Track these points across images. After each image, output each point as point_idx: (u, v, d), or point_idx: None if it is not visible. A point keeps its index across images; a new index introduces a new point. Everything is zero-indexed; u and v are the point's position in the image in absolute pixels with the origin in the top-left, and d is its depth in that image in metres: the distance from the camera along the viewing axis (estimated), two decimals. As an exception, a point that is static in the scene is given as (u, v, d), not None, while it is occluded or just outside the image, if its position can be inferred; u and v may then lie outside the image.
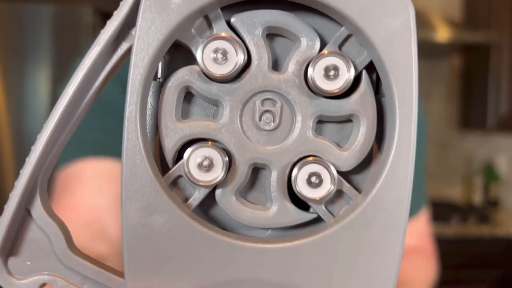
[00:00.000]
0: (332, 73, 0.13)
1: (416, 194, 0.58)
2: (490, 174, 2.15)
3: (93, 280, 0.14)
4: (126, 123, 0.13)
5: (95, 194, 0.47)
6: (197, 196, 0.13)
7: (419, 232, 0.59)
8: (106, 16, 1.60)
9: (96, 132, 0.50)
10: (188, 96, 0.14)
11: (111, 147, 0.48)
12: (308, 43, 0.13)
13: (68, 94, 0.13)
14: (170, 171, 0.13)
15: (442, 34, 1.81)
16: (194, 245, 0.12)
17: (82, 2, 1.57)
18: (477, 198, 2.14)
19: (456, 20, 2.17)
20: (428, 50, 2.07)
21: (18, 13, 1.44)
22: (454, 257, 1.70)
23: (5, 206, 0.13)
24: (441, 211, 1.78)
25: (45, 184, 0.14)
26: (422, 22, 1.88)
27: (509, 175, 2.24)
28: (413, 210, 0.58)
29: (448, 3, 2.20)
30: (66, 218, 0.46)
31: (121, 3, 0.13)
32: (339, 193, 0.14)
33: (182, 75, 0.13)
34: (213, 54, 0.13)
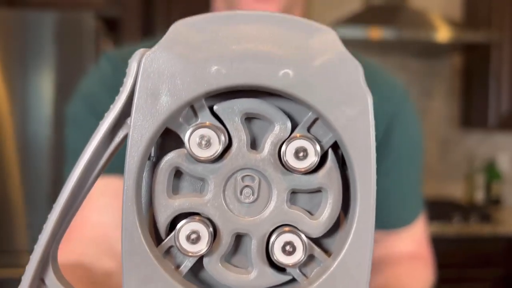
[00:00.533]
0: (301, 154, 0.15)
1: (413, 203, 0.59)
2: (491, 172, 2.16)
3: None
4: (124, 204, 0.15)
5: (101, 211, 0.49)
6: (187, 264, 0.16)
7: (418, 239, 0.61)
8: (107, 21, 1.60)
9: None
10: (178, 173, 0.16)
11: (115, 165, 0.50)
12: (280, 127, 0.16)
13: (73, 179, 0.15)
14: (163, 242, 0.16)
15: (443, 33, 1.82)
16: None
17: (84, 8, 1.58)
18: (479, 196, 2.15)
19: (457, 20, 2.17)
20: (429, 50, 2.08)
21: (21, 19, 1.45)
22: (456, 255, 1.72)
23: (22, 277, 0.15)
24: (443, 210, 1.80)
25: (56, 254, 0.16)
26: (423, 22, 1.89)
27: (511, 173, 2.25)
28: (411, 218, 0.60)
29: (449, 3, 2.21)
30: (75, 235, 0.47)
31: (117, 97, 0.15)
32: (311, 257, 0.16)
33: (172, 158, 0.15)
34: (198, 140, 0.15)
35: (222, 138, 0.15)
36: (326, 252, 0.15)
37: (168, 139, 0.16)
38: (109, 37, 1.68)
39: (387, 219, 0.59)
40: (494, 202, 2.14)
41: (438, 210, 1.80)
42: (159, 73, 0.15)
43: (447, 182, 2.24)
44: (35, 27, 1.45)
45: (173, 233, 0.15)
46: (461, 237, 1.72)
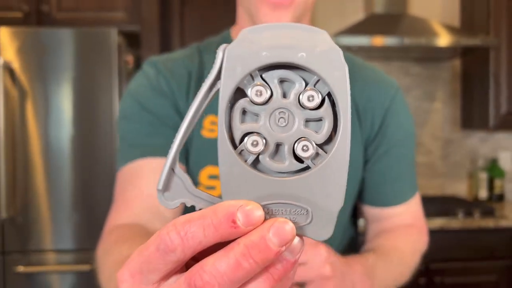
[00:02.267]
0: (310, 98, 0.27)
1: (408, 183, 0.68)
2: (494, 170, 2.23)
3: (206, 201, 0.28)
4: (219, 127, 0.27)
5: (153, 184, 0.59)
6: (251, 159, 0.28)
7: (413, 212, 0.69)
8: (128, 36, 1.71)
9: (151, 138, 0.63)
10: (244, 112, 0.28)
11: (163, 149, 0.60)
12: (298, 84, 0.27)
13: (190, 114, 0.28)
14: (238, 147, 0.28)
15: (444, 39, 1.91)
16: (250, 179, 0.27)
17: (107, 24, 1.70)
18: (483, 193, 2.22)
19: (456, 26, 2.27)
20: (430, 55, 2.17)
21: (50, 36, 1.57)
22: (462, 248, 1.79)
23: (163, 168, 0.28)
24: (448, 206, 1.87)
25: (178, 155, 0.28)
26: (424, 28, 1.98)
27: (513, 171, 2.33)
28: (407, 196, 0.68)
29: (447, 11, 2.31)
30: (133, 204, 0.58)
31: (211, 70, 0.27)
32: (317, 154, 0.27)
33: (241, 102, 0.28)
34: (255, 92, 0.27)
35: (268, 91, 0.27)
36: (326, 152, 0.28)
37: (238, 93, 0.28)
38: (130, 50, 1.80)
39: (385, 197, 0.68)
40: (498, 198, 2.22)
41: (443, 206, 1.87)
42: (235, 57, 0.27)
43: (452, 181, 2.32)
44: (64, 42, 1.57)
45: (244, 140, 0.27)
46: (465, 230, 1.79)
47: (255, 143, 0.27)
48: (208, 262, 0.24)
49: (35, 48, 1.56)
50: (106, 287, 0.51)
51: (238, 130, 0.27)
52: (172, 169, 0.28)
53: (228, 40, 0.68)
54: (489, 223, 1.78)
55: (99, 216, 1.45)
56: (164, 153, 0.59)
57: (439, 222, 1.76)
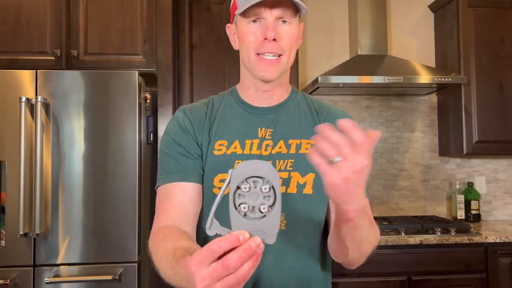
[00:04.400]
0: (265, 188, 0.58)
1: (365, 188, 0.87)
2: (470, 193, 2.47)
3: (226, 231, 0.56)
4: (230, 203, 0.56)
5: (182, 199, 0.84)
6: (243, 213, 0.57)
7: (369, 212, 0.84)
8: (144, 76, 1.98)
9: (179, 167, 0.87)
10: (239, 194, 0.57)
11: (186, 176, 0.86)
12: (261, 182, 0.57)
13: (219, 196, 0.58)
14: (237, 209, 0.56)
15: (423, 77, 2.17)
16: (243, 221, 0.55)
17: (128, 67, 1.97)
18: (461, 214, 2.45)
19: (432, 66, 2.56)
20: (410, 90, 2.43)
21: (77, 78, 1.82)
22: (440, 262, 1.99)
23: (209, 217, 0.57)
24: (428, 224, 2.08)
25: (214, 212, 0.57)
26: (406, 68, 2.24)
27: (487, 193, 2.56)
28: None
29: (424, 53, 2.60)
30: (169, 212, 0.83)
31: (227, 179, 0.58)
32: (269, 209, 0.57)
33: (238, 191, 0.57)
34: (244, 187, 0.57)
35: (249, 186, 0.56)
36: (271, 209, 0.56)
37: (237, 187, 0.55)
38: (147, 89, 2.06)
39: None
40: (475, 218, 2.44)
41: (423, 224, 2.09)
42: (236, 173, 0.54)
43: (433, 203, 2.55)
44: (90, 84, 1.83)
45: (240, 206, 0.56)
46: (443, 245, 1.99)
47: (244, 208, 0.55)
48: (228, 256, 0.51)
49: (63, 89, 1.81)
50: (159, 268, 0.73)
51: (238, 202, 0.55)
52: (212, 218, 0.56)
53: (235, 92, 0.95)
54: (464, 239, 1.99)
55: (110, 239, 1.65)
56: (187, 179, 0.86)
57: (419, 238, 1.98)
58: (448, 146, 2.46)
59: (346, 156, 0.55)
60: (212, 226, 0.56)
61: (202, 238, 0.86)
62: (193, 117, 0.90)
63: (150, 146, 2.09)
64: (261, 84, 0.88)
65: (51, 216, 1.76)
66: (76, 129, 1.80)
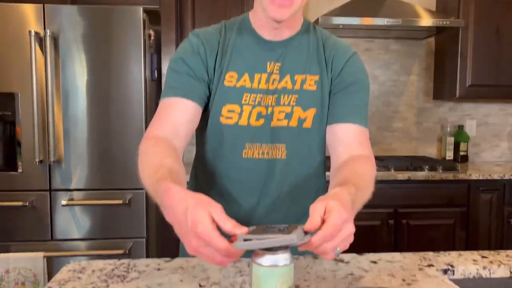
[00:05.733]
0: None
1: (357, 114, 0.93)
2: (461, 135, 2.58)
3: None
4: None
5: (179, 115, 0.87)
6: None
7: (363, 143, 0.91)
8: (148, 13, 2.03)
9: (184, 85, 0.90)
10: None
11: (189, 93, 0.89)
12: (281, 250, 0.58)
13: (247, 247, 0.55)
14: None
15: (424, 20, 2.20)
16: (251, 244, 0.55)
17: (133, 3, 2.00)
18: (450, 155, 2.57)
19: (432, 9, 2.57)
20: (409, 34, 2.46)
21: (83, 13, 1.86)
22: (426, 196, 2.13)
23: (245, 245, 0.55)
24: (417, 163, 2.21)
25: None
26: (407, 11, 2.26)
27: (476, 136, 2.67)
28: (354, 120, 0.88)
29: (425, -5, 2.60)
30: (164, 124, 0.95)
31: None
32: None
33: (256, 251, 0.58)
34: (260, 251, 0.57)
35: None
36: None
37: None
38: (151, 26, 2.10)
39: (338, 114, 0.91)
40: (463, 158, 2.57)
41: (413, 163, 2.22)
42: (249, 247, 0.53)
43: (424, 144, 2.67)
44: (95, 19, 1.87)
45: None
46: (429, 181, 2.12)
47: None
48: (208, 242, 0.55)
49: (69, 24, 1.86)
50: (141, 177, 0.74)
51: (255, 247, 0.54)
52: (244, 239, 0.54)
53: (247, 21, 0.95)
54: (449, 176, 2.12)
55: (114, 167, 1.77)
56: (189, 96, 0.89)
57: (407, 175, 2.11)
58: (442, 90, 2.54)
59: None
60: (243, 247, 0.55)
61: (202, 175, 0.96)
62: (207, 42, 0.92)
63: (155, 83, 2.17)
64: (272, 22, 0.88)
65: (63, 145, 1.88)
66: (82, 63, 1.87)
